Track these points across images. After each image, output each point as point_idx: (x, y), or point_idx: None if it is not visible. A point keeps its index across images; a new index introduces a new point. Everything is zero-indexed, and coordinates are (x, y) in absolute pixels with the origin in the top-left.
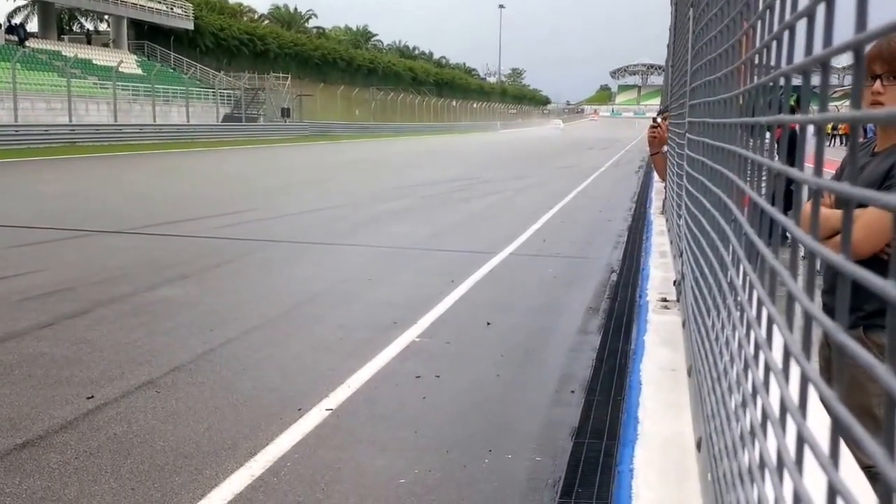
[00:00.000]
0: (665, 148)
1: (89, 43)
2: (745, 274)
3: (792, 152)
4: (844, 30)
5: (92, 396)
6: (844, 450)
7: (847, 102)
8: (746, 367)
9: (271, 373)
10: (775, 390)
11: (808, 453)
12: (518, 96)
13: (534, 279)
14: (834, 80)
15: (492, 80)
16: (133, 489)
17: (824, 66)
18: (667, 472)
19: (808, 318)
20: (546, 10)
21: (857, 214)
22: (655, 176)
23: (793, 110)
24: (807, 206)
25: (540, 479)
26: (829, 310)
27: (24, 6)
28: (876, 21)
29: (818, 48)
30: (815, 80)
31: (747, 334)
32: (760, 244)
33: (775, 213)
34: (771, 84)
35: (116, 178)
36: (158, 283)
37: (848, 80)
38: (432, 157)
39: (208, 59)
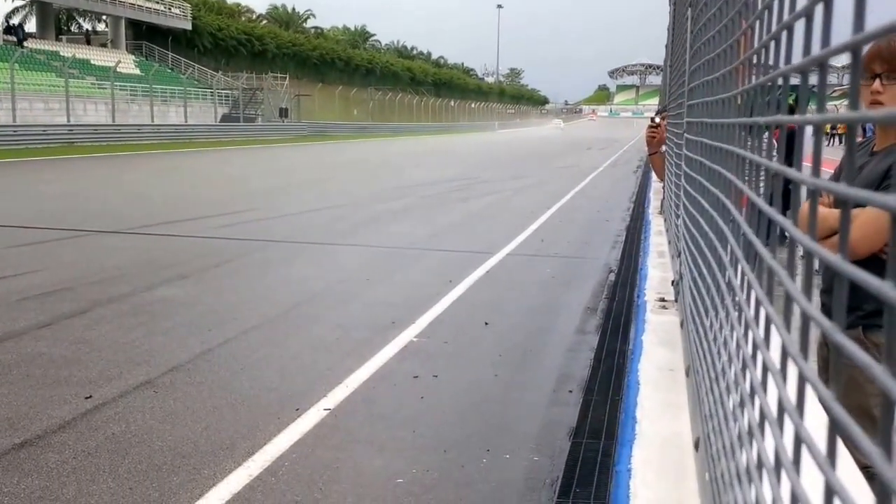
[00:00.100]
0: (663, 148)
1: (88, 43)
2: (743, 274)
3: (790, 151)
4: (843, 30)
5: (90, 396)
6: (842, 450)
7: (846, 101)
8: (744, 367)
9: (269, 373)
10: (773, 390)
11: (805, 453)
12: (516, 96)
13: (532, 279)
14: (833, 78)
15: (490, 80)
16: (131, 489)
17: (822, 66)
18: (665, 471)
19: (806, 319)
20: (544, 10)
21: (855, 214)
22: (654, 176)
23: (791, 109)
24: (805, 206)
25: (538, 478)
26: (827, 309)
27: (22, 6)
28: (874, 21)
29: (816, 48)
30: (813, 79)
31: (745, 334)
32: (758, 244)
33: (773, 213)
34: (769, 84)
35: (115, 178)
36: (157, 283)
37: (847, 78)
38: (431, 157)
39: (206, 59)
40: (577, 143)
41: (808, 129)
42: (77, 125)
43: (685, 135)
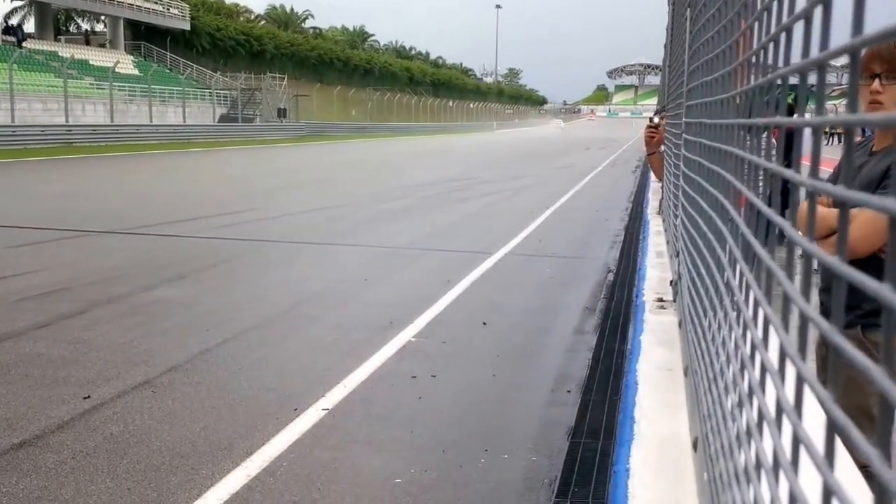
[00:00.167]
0: (662, 148)
1: (87, 43)
2: (741, 274)
3: (789, 151)
4: (842, 31)
5: (88, 396)
6: (841, 449)
7: (846, 101)
8: (743, 367)
9: (268, 373)
10: (771, 390)
11: (803, 453)
12: (514, 96)
13: (530, 279)
14: (833, 78)
15: (489, 80)
16: (129, 489)
17: (821, 68)
18: (663, 471)
19: (805, 319)
20: (543, 10)
21: (854, 214)
22: (652, 176)
23: (790, 108)
24: (803, 206)
25: (536, 478)
26: (826, 308)
27: (21, 7)
28: (872, 22)
29: (815, 50)
30: (812, 79)
31: (744, 335)
32: (757, 245)
33: (772, 214)
34: (768, 85)
35: (113, 178)
36: (155, 284)
37: (847, 78)
38: (430, 157)
39: (205, 59)
40: (576, 143)
41: (807, 130)
42: (75, 125)
43: (684, 135)
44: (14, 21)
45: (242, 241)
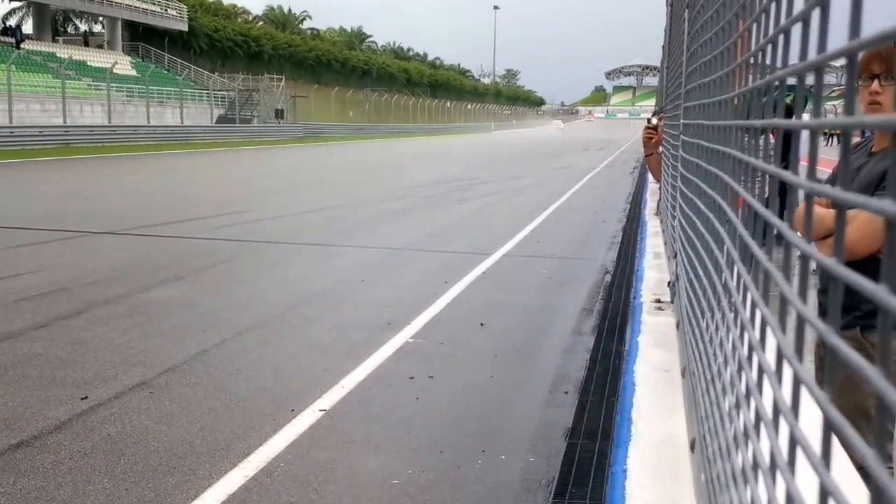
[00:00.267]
0: (660, 149)
1: (86, 44)
2: (739, 276)
3: (787, 151)
4: (839, 32)
5: (86, 397)
6: (839, 450)
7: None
8: (740, 368)
9: (265, 373)
10: (769, 392)
11: (800, 454)
12: (512, 97)
13: (528, 280)
14: (832, 78)
15: (486, 81)
16: (127, 489)
17: (818, 70)
18: (660, 473)
19: (801, 321)
20: (541, 11)
21: (853, 215)
22: (650, 177)
23: (789, 109)
24: (801, 207)
25: (533, 479)
26: (824, 309)
27: (19, 8)
28: (869, 24)
29: (813, 52)
30: (810, 81)
31: (741, 336)
32: (754, 246)
33: (769, 215)
34: (766, 87)
35: (111, 179)
36: (153, 284)
37: (846, 79)
38: (429, 158)
39: (202, 60)
40: (575, 145)
41: (805, 131)
42: (73, 126)
43: (682, 136)
44: (12, 22)
45: (241, 242)
